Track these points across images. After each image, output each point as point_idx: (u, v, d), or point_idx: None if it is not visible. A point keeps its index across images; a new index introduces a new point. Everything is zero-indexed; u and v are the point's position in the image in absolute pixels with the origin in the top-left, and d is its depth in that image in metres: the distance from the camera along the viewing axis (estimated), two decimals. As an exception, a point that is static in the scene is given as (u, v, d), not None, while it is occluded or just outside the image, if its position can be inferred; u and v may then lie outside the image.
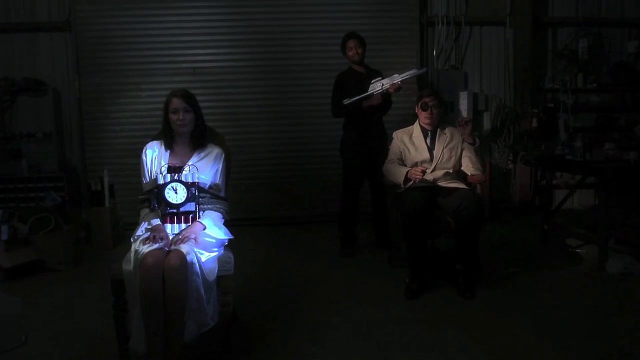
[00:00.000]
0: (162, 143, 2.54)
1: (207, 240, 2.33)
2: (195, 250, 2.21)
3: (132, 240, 2.34)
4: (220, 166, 2.55)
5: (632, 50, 5.68)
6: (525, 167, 5.46)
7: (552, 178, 4.53)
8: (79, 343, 2.66)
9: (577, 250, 4.08)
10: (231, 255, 2.43)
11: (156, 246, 2.20)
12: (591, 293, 3.24)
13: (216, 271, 2.28)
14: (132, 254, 2.20)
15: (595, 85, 5.60)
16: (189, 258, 2.14)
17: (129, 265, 2.18)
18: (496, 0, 5.64)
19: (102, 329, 2.69)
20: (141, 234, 2.35)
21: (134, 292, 2.16)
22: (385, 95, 3.93)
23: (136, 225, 2.47)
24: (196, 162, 2.49)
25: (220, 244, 2.43)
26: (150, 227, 2.34)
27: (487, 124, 5.72)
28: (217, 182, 2.54)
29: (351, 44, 4.07)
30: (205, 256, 2.25)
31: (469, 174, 3.42)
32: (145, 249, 2.17)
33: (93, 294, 3.30)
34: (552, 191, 5.28)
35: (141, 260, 2.13)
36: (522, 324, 2.78)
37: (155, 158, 2.51)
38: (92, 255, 4.32)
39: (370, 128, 4.10)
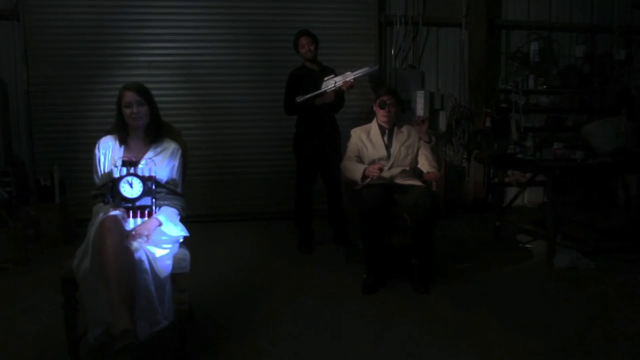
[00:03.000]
0: (115, 138, 2.47)
1: (159, 237, 2.28)
2: (146, 247, 2.16)
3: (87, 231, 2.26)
4: (177, 162, 2.51)
5: (579, 54, 5.93)
6: (478, 165, 5.62)
7: (504, 176, 4.68)
8: (26, 344, 2.56)
9: (527, 246, 4.23)
10: (187, 252, 2.40)
11: (113, 212, 2.17)
12: (540, 286, 3.37)
13: (169, 268, 2.23)
14: (85, 245, 2.14)
15: (545, 86, 5.81)
16: (136, 255, 2.09)
17: (80, 261, 2.11)
18: (452, 2, 5.77)
19: (51, 330, 2.60)
20: None
21: (88, 281, 2.09)
22: (338, 92, 3.96)
23: (88, 222, 2.39)
24: (152, 157, 2.43)
25: (174, 240, 2.39)
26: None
27: (442, 123, 5.84)
28: (174, 177, 2.50)
29: (303, 40, 4.07)
30: (157, 253, 2.20)
31: (425, 171, 3.49)
32: (102, 215, 2.13)
33: (41, 293, 3.18)
34: (503, 188, 5.45)
35: (100, 221, 2.08)
36: (477, 316, 2.86)
37: (108, 153, 2.44)
38: (41, 253, 4.16)
39: (323, 125, 4.12)
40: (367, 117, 5.36)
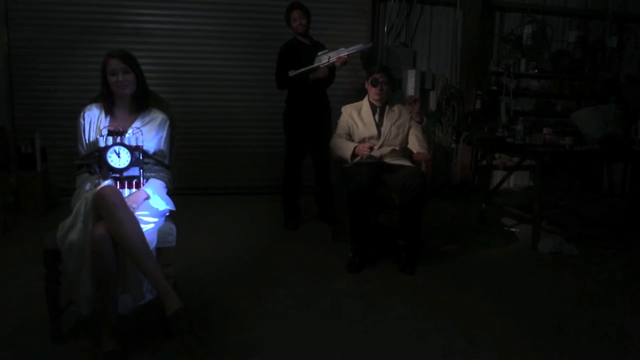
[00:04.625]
0: (101, 106, 2.38)
1: (143, 212, 2.23)
2: None
3: (71, 206, 2.19)
4: (165, 133, 2.44)
5: (572, 40, 5.90)
6: (466, 146, 5.61)
7: (492, 159, 4.68)
8: (6, 314, 2.51)
9: (512, 229, 4.26)
10: (173, 227, 2.34)
11: (106, 182, 2.12)
12: (525, 270, 3.40)
13: (154, 242, 2.18)
14: (73, 217, 2.08)
15: (536, 71, 5.80)
16: None
17: (66, 234, 2.05)
18: (448, -20, 5.68)
19: (31, 301, 2.55)
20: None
21: (74, 254, 2.04)
22: (331, 68, 3.89)
23: (73, 191, 2.32)
24: (139, 127, 2.36)
25: (160, 214, 2.33)
26: (94, 184, 2.20)
27: (432, 103, 5.80)
28: (162, 148, 2.43)
29: (295, 14, 3.97)
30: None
31: (415, 152, 3.46)
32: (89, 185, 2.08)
33: (22, 263, 3.11)
34: (491, 171, 5.46)
35: (99, 195, 2.01)
36: (462, 298, 2.87)
37: (93, 122, 2.35)
38: (21, 222, 4.08)
39: (315, 101, 4.06)
40: (357, 95, 5.32)
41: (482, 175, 5.72)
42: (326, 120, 4.14)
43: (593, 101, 5.73)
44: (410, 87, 5.49)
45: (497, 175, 5.68)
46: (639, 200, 4.44)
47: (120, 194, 2.09)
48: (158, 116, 2.43)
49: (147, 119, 2.40)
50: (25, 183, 4.33)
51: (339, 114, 3.62)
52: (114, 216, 1.98)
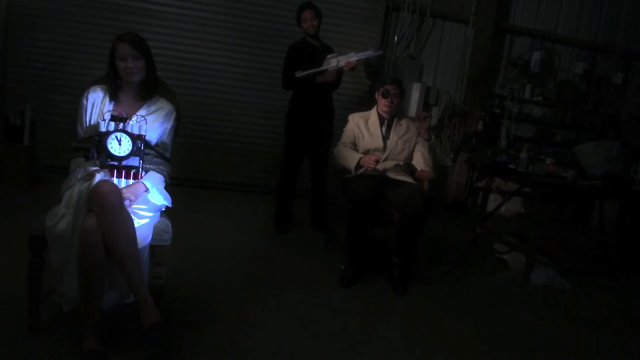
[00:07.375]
0: (105, 89, 2.25)
1: (140, 206, 2.11)
2: None
3: (61, 192, 2.07)
4: (170, 125, 2.33)
5: (578, 71, 5.88)
6: (463, 166, 5.56)
7: (491, 182, 4.63)
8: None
9: (504, 256, 4.20)
10: (169, 224, 2.23)
11: (100, 175, 2.00)
12: (517, 301, 3.35)
13: (149, 239, 2.07)
14: (63, 206, 1.96)
15: (540, 98, 5.77)
16: None
17: (56, 223, 1.93)
18: (463, -2, 5.63)
19: (10, 287, 2.40)
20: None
21: (62, 246, 1.93)
22: (339, 72, 3.80)
23: (59, 169, 2.19)
24: (144, 115, 2.24)
25: (157, 209, 2.22)
26: (86, 173, 2.08)
27: (434, 118, 5.74)
28: (165, 140, 2.32)
29: (307, 14, 3.88)
30: (135, 222, 2.03)
31: (419, 169, 3.39)
32: (95, 179, 1.96)
33: (1, 243, 2.95)
34: (489, 195, 5.42)
35: (93, 188, 1.90)
36: (453, 325, 2.80)
37: (96, 104, 2.22)
38: (3, 196, 3.90)
39: (320, 104, 3.96)
40: (359, 102, 5.24)
41: (476, 196, 5.69)
42: (329, 124, 4.06)
43: (592, 135, 5.73)
44: (414, 101, 5.42)
45: (491, 199, 5.65)
46: (632, 239, 4.43)
47: (120, 194, 1.97)
48: (165, 106, 2.32)
49: (153, 108, 2.28)
50: (10, 155, 4.15)
51: (341, 120, 3.52)
52: (108, 217, 1.88)
